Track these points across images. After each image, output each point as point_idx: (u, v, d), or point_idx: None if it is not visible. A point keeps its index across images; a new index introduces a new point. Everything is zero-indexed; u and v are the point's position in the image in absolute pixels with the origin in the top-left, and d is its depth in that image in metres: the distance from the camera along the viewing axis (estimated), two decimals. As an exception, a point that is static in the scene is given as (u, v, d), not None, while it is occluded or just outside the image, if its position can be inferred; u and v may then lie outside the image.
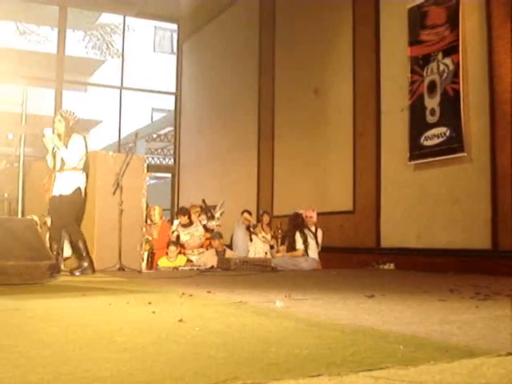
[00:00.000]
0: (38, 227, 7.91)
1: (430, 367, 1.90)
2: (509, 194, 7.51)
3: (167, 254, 9.47)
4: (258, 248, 10.11)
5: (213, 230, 10.15)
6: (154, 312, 3.32)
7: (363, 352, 2.18)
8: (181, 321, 2.94)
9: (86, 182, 7.37)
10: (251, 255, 9.88)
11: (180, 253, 9.65)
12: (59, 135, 7.25)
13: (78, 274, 6.96)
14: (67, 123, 7.29)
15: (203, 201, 11.18)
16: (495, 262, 7.52)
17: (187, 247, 9.88)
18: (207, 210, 10.93)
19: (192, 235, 9.96)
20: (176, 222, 10.41)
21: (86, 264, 7.09)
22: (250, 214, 10.68)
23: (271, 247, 10.19)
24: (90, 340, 2.47)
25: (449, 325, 2.96)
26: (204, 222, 10.31)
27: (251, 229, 10.38)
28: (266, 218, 10.59)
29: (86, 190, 7.38)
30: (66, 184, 7.18)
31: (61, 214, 7.20)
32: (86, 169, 7.35)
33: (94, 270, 7.11)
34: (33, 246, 5.77)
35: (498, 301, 4.14)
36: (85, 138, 7.43)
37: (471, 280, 6.16)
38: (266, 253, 10.04)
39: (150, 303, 3.76)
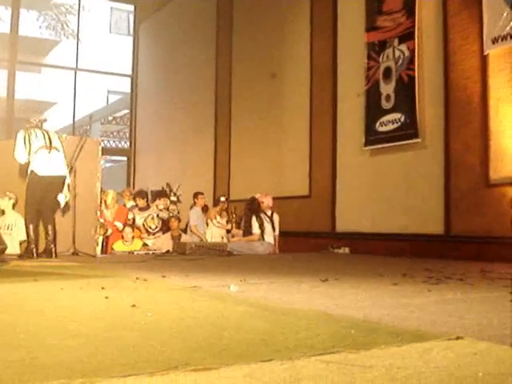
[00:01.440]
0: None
1: (381, 351, 1.92)
2: (461, 180, 7.64)
3: (123, 237, 9.39)
4: (214, 232, 10.11)
5: (163, 221, 10.02)
6: (107, 297, 3.29)
7: (316, 336, 2.19)
8: (134, 306, 2.91)
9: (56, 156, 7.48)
10: (208, 240, 9.89)
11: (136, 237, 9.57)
12: None
13: (23, 256, 7.01)
14: (26, 127, 7.52)
15: (167, 184, 11.10)
16: (447, 247, 7.66)
17: (142, 231, 9.81)
18: (173, 195, 10.86)
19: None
20: (131, 203, 10.34)
21: (29, 249, 7.11)
22: (203, 195, 10.76)
23: (227, 231, 10.20)
24: (40, 326, 2.43)
25: (401, 309, 3.00)
26: (161, 207, 10.24)
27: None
28: (222, 204, 10.58)
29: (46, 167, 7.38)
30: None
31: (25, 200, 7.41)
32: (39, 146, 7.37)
33: (38, 255, 7.11)
34: (-17, 230, 5.67)
35: (450, 285, 4.21)
36: (25, 130, 7.46)
37: (424, 264, 6.26)
38: (223, 237, 10.05)
39: (103, 288, 3.71)
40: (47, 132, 7.55)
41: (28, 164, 7.31)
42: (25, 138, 7.33)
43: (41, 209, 7.35)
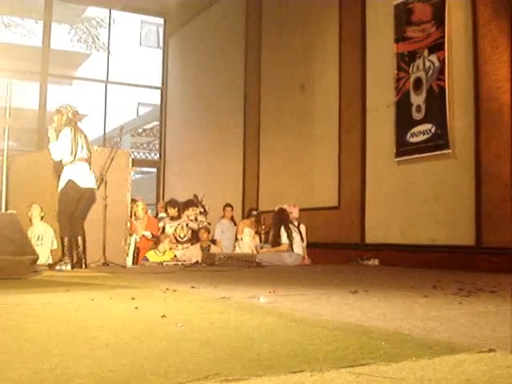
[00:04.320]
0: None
1: (412, 363, 1.90)
2: (493, 191, 7.55)
3: (157, 247, 9.41)
4: (244, 244, 10.11)
5: (193, 231, 10.04)
6: (137, 307, 3.30)
7: (345, 348, 2.18)
8: (164, 316, 2.93)
9: (90, 169, 7.29)
10: (238, 251, 9.89)
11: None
12: (55, 129, 7.20)
13: (57, 268, 6.92)
14: (60, 117, 7.24)
15: (195, 196, 11.13)
16: (478, 259, 7.57)
17: (172, 240, 9.85)
18: (200, 205, 10.90)
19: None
20: (162, 214, 10.39)
21: (64, 260, 7.02)
22: (231, 208, 10.78)
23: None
24: (71, 336, 2.45)
25: (431, 321, 2.97)
26: (192, 218, 10.28)
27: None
28: (252, 219, 10.61)
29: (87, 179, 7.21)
30: (60, 181, 7.17)
31: (58, 209, 7.20)
32: (80, 157, 7.17)
33: (72, 267, 7.03)
34: (16, 241, 5.73)
35: (481, 297, 4.16)
36: (73, 129, 7.15)
37: (455, 276, 6.19)
38: (252, 250, 10.04)
39: (133, 298, 3.74)
40: (87, 138, 7.31)
41: (60, 172, 7.16)
42: (72, 140, 7.04)
43: (72, 219, 7.29)
